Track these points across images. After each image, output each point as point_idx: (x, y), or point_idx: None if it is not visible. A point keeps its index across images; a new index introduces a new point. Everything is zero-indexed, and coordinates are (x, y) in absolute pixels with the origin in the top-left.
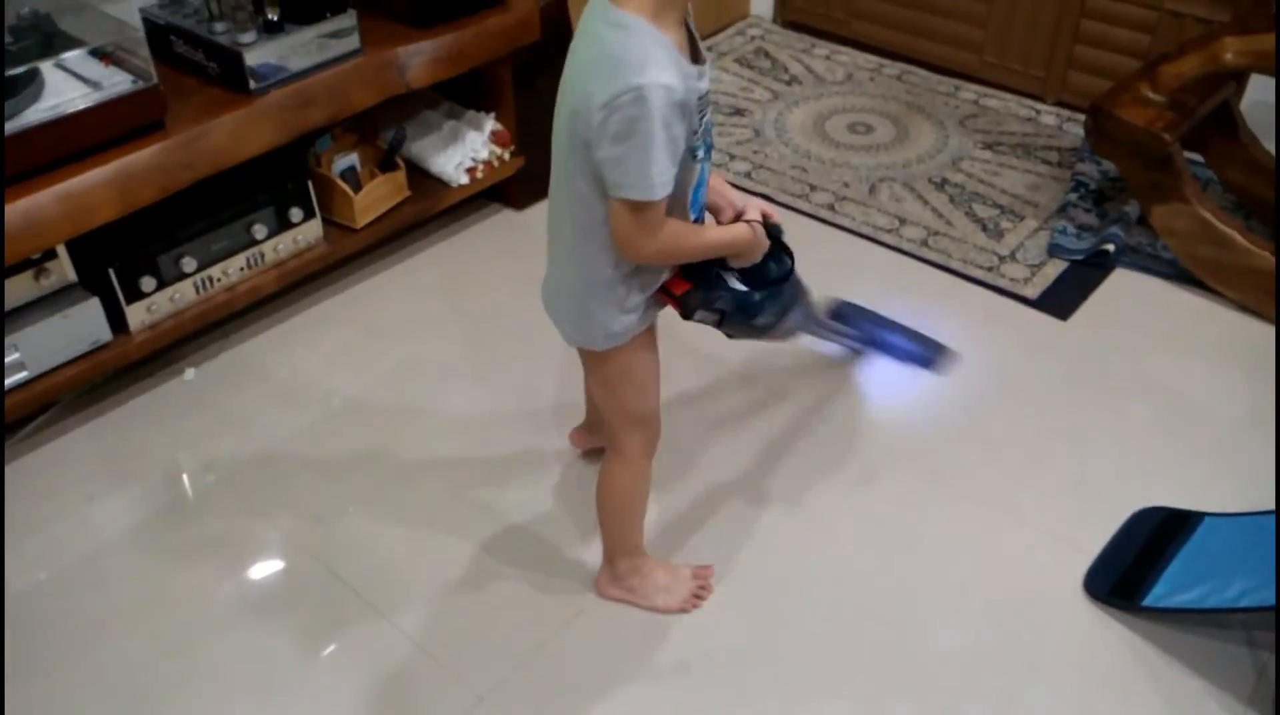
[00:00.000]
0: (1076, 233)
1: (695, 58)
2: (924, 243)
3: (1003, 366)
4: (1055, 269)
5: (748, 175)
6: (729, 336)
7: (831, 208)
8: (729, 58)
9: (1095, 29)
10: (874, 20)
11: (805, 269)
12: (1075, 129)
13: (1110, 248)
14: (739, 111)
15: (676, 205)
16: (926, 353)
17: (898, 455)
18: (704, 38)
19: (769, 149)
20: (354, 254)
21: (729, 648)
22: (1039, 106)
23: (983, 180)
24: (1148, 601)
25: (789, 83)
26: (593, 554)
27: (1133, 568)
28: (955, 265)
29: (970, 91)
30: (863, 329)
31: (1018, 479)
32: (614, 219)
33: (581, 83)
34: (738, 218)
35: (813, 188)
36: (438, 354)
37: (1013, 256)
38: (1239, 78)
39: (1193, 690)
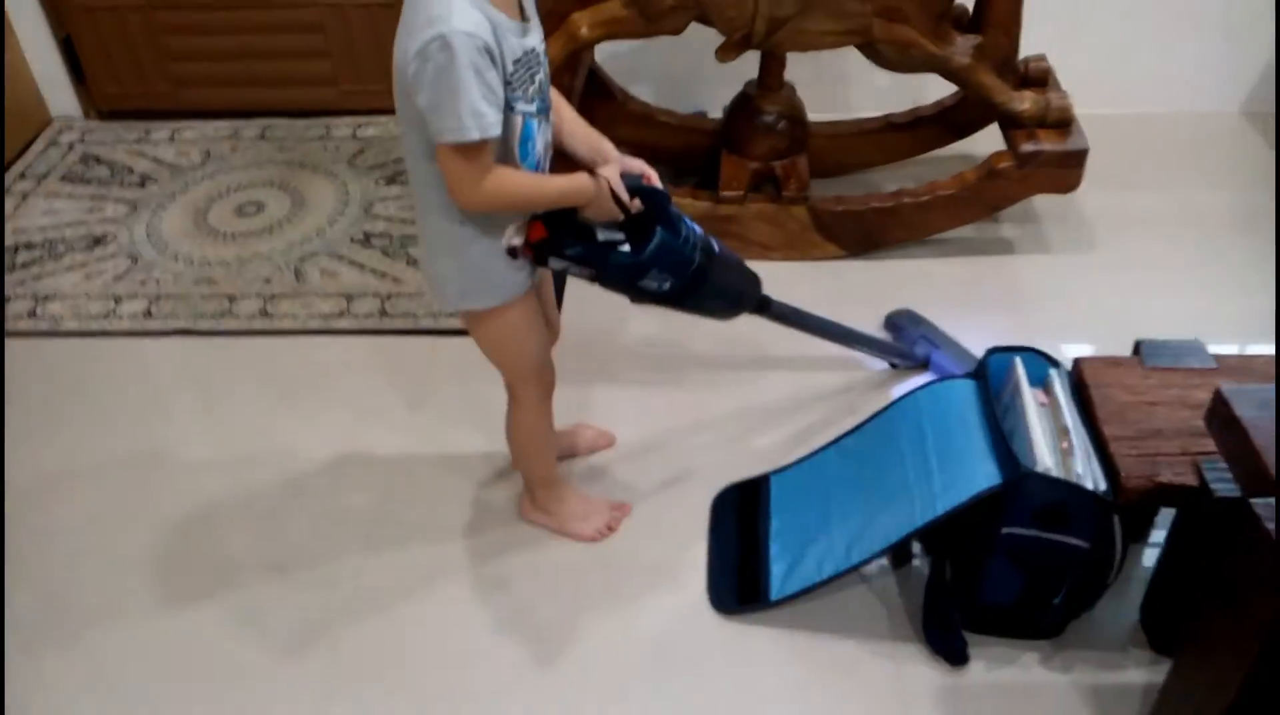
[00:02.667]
0: None
1: (522, 15)
2: (382, 313)
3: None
4: None
5: (147, 313)
6: (635, 302)
7: (264, 313)
8: (53, 178)
9: None
10: (206, 83)
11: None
12: None
13: None
14: (99, 241)
15: (505, 158)
16: (964, 368)
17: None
18: (7, 163)
19: (157, 272)
20: None
21: None
22: None
23: (404, 219)
24: (775, 595)
25: (141, 184)
26: None
27: (742, 566)
28: (426, 322)
29: (343, 127)
30: (909, 339)
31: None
32: (442, 166)
33: (400, 41)
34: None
35: (232, 299)
36: None
37: None
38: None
39: (850, 649)
